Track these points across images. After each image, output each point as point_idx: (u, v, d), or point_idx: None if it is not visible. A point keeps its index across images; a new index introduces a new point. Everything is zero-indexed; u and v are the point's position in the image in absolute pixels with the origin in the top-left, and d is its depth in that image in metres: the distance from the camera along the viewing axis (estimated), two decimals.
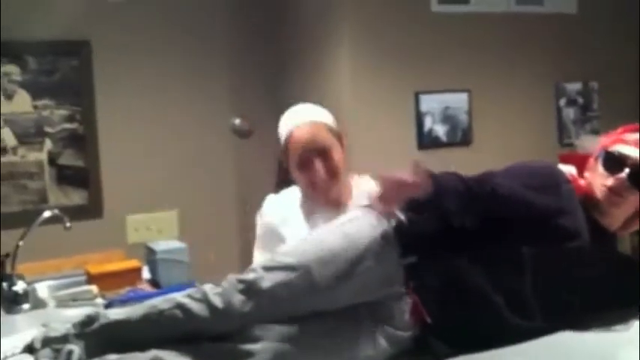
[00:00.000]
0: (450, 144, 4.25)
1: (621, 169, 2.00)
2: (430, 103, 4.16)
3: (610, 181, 2.01)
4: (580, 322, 1.97)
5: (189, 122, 4.31)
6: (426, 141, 4.17)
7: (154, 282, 2.82)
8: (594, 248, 2.02)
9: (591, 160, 2.12)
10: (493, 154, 4.27)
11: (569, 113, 4.70)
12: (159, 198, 4.20)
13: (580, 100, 4.74)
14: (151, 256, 2.89)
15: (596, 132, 4.68)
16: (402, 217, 1.96)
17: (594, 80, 4.78)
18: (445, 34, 4.25)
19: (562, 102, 4.68)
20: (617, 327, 1.97)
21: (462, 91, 4.27)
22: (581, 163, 2.18)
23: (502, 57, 4.44)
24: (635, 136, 2.06)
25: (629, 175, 1.99)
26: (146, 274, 2.89)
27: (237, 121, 4.37)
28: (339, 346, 1.82)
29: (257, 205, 2.60)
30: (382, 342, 1.87)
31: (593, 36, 4.77)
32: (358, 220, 1.98)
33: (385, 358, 1.87)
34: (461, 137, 4.28)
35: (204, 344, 1.79)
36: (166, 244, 2.95)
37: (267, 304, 1.80)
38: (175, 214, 4.22)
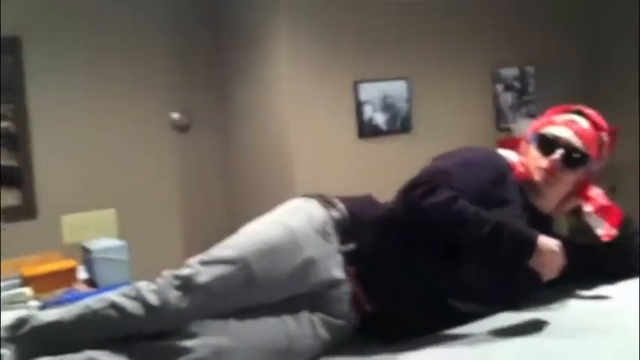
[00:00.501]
0: (390, 132, 4.25)
1: (554, 150, 2.03)
2: (369, 91, 4.16)
3: (544, 163, 2.03)
4: (518, 304, 2.00)
5: (127, 118, 4.21)
6: (367, 130, 4.17)
7: (91, 282, 2.74)
8: None
9: (524, 144, 2.14)
10: (433, 141, 4.29)
11: (507, 98, 4.76)
12: (96, 197, 4.10)
13: (517, 85, 4.81)
14: (87, 256, 2.81)
15: (532, 116, 4.74)
16: (342, 206, 1.96)
17: (530, 65, 4.84)
18: (383, 21, 4.24)
19: (499, 87, 4.74)
20: (554, 306, 2.00)
21: (401, 79, 4.27)
22: (517, 146, 2.21)
23: (440, 44, 4.46)
24: (563, 117, 2.09)
25: (562, 156, 2.02)
26: (83, 274, 2.81)
27: (176, 116, 4.30)
28: (279, 338, 1.80)
29: None
30: (322, 331, 1.85)
31: (529, 21, 4.83)
32: (297, 211, 1.96)
33: (326, 348, 1.85)
34: (401, 125, 4.29)
35: (141, 343, 1.75)
36: (103, 243, 2.88)
37: (204, 300, 1.77)
38: (113, 212, 4.13)
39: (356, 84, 4.12)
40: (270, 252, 1.82)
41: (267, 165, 4.18)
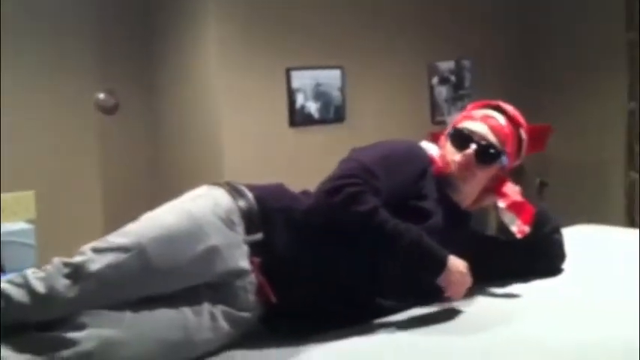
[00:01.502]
0: (322, 121, 4.18)
1: (468, 145, 1.99)
2: (302, 79, 4.08)
3: (458, 157, 2.00)
4: (432, 297, 1.96)
5: (51, 97, 4.05)
6: (298, 118, 4.09)
7: None
8: (448, 227, 2.01)
9: (443, 138, 2.10)
10: (366, 131, 4.25)
11: (442, 91, 4.75)
12: (15, 178, 3.93)
13: (452, 79, 4.79)
14: None
15: None
16: (250, 195, 1.88)
17: (467, 59, 4.83)
18: (318, 9, 4.17)
19: (435, 80, 4.72)
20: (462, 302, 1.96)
21: (335, 67, 4.20)
22: None
23: (376, 34, 4.41)
24: (482, 111, 2.05)
25: (476, 151, 1.98)
26: None
27: (102, 96, 4.16)
28: (175, 331, 1.71)
29: None
30: (223, 324, 1.78)
31: (466, 14, 4.82)
32: (202, 198, 1.89)
33: (228, 341, 1.78)
34: (334, 114, 4.23)
35: (26, 333, 1.65)
36: (11, 226, 2.77)
37: (95, 289, 1.67)
38: (32, 194, 3.96)
39: (288, 71, 4.04)
40: (170, 239, 1.74)
41: (195, 151, 4.08)
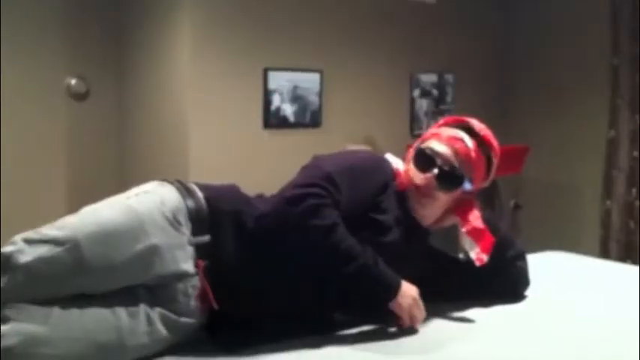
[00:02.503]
0: (298, 125, 4.09)
1: (430, 168, 1.90)
2: (279, 80, 3.98)
3: (419, 179, 1.91)
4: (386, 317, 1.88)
5: (18, 80, 3.93)
6: (273, 120, 4.00)
7: None
8: (406, 242, 1.92)
9: (410, 151, 2.01)
10: (342, 139, 4.18)
11: (423, 104, 4.67)
12: None
13: (434, 92, 4.72)
14: None
15: None
16: (200, 195, 1.79)
17: (450, 73, 4.77)
18: (301, 9, 4.08)
19: (416, 92, 4.64)
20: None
21: (314, 71, 4.12)
22: None
23: (359, 41, 4.33)
24: (450, 131, 1.95)
25: (437, 175, 1.89)
26: None
27: (74, 82, 4.05)
28: (107, 332, 1.61)
29: None
30: (160, 328, 1.68)
31: (451, 28, 4.76)
32: (148, 194, 1.79)
33: (164, 347, 1.68)
34: (310, 118, 4.13)
35: None
36: None
37: (23, 281, 1.57)
38: None
39: (265, 71, 3.94)
40: (107, 235, 1.64)
41: (163, 145, 3.98)
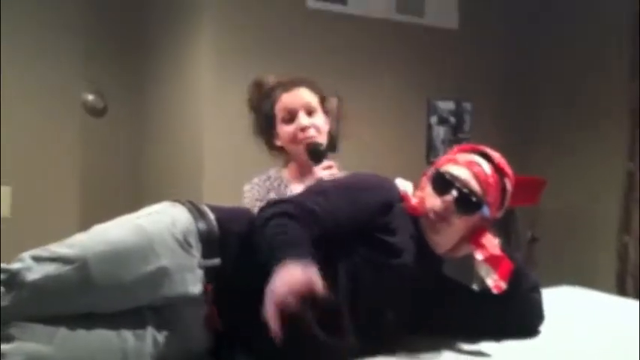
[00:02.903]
0: None
1: (449, 191, 1.87)
2: None
3: (437, 203, 1.88)
4: (396, 343, 1.84)
5: (36, 94, 3.94)
6: None
7: None
8: (419, 268, 1.89)
9: (424, 179, 1.98)
10: (357, 164, 4.12)
11: (440, 132, 4.64)
12: None
13: (452, 120, 4.69)
14: None
15: None
16: (212, 216, 1.77)
17: (468, 101, 4.74)
18: (319, 33, 4.08)
19: (433, 119, 4.61)
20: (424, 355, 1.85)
21: (332, 95, 4.08)
22: None
23: (376, 65, 4.32)
24: (467, 156, 1.93)
25: (456, 199, 1.86)
26: None
27: (91, 98, 4.06)
28: (112, 354, 1.59)
29: None
30: (166, 352, 1.65)
31: (471, 55, 4.73)
32: (158, 215, 1.77)
33: None
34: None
35: None
36: None
37: (30, 299, 1.56)
38: (8, 190, 3.85)
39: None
40: (116, 255, 1.62)
41: (178, 163, 3.97)
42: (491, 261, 1.91)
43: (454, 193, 1.86)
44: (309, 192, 1.84)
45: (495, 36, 4.83)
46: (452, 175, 1.88)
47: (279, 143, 2.45)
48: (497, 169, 1.93)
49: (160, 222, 1.72)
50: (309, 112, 2.39)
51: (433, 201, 1.89)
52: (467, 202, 1.87)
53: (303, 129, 2.35)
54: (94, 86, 4.05)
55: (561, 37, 4.81)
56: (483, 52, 4.80)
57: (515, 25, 4.92)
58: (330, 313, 1.56)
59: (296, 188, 2.35)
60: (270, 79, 2.49)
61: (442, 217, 1.87)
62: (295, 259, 1.53)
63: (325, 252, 1.74)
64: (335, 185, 1.87)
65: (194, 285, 1.69)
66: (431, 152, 4.61)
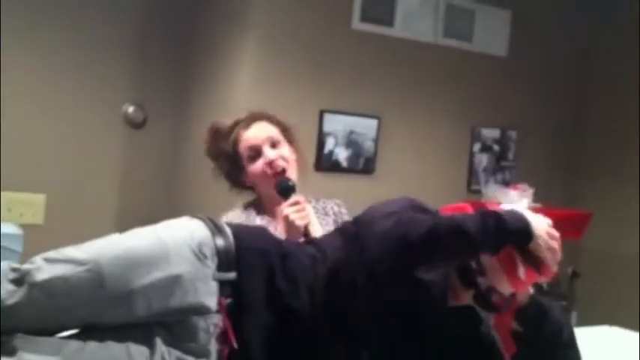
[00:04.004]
0: (350, 170, 3.99)
1: (471, 286, 1.76)
2: (335, 123, 3.91)
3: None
4: None
5: (77, 104, 3.96)
6: (325, 163, 3.91)
7: None
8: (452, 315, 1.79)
9: None
10: (394, 188, 4.04)
11: (482, 160, 4.52)
12: (29, 179, 3.84)
13: (496, 148, 4.57)
14: None
15: (507, 183, 4.52)
16: (230, 233, 1.72)
17: (513, 129, 4.62)
18: (363, 55, 4.02)
19: (476, 147, 4.50)
20: None
21: (372, 117, 4.03)
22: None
23: (420, 89, 4.24)
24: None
25: (474, 296, 1.76)
26: None
27: (131, 110, 4.07)
28: None
29: None
30: None
31: (520, 82, 4.62)
32: (176, 225, 1.73)
33: None
34: (363, 165, 4.03)
35: None
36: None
37: (38, 300, 1.52)
38: (43, 198, 3.86)
39: (322, 113, 3.88)
40: (130, 260, 1.58)
41: (212, 181, 3.92)
42: (500, 334, 1.79)
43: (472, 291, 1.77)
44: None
45: (544, 65, 4.71)
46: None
47: (249, 183, 2.37)
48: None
49: (177, 232, 1.68)
50: (273, 145, 2.33)
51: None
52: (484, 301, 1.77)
53: (271, 163, 2.28)
54: (136, 98, 4.06)
55: (617, 68, 4.67)
56: (531, 81, 4.68)
57: (565, 56, 4.80)
58: None
59: (264, 224, 2.28)
60: (226, 122, 2.42)
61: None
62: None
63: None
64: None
65: (208, 296, 1.63)
66: (472, 179, 4.50)
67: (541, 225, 1.68)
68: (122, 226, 1.68)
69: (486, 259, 1.73)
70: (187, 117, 4.21)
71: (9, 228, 2.67)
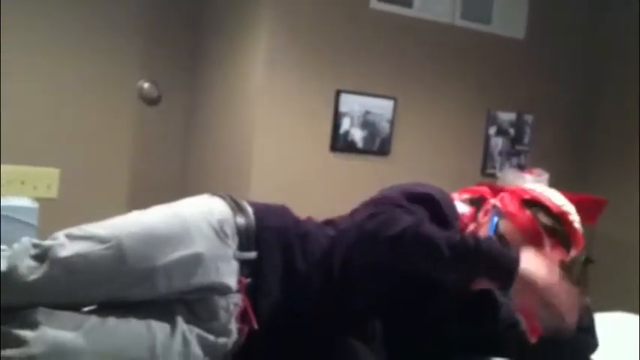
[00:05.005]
0: (365, 151, 3.96)
1: None
2: (351, 104, 3.87)
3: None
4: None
5: (92, 80, 3.94)
6: (340, 144, 3.88)
7: None
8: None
9: (489, 207, 1.83)
10: (409, 170, 4.05)
11: (498, 143, 4.49)
12: (43, 154, 3.83)
13: (511, 132, 4.53)
14: None
15: (522, 167, 4.49)
16: (250, 211, 1.71)
17: (529, 113, 4.58)
18: (381, 35, 3.98)
19: (492, 130, 4.46)
20: None
21: (388, 97, 4.00)
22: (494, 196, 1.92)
23: (437, 70, 4.20)
24: (528, 218, 1.75)
25: None
26: None
27: (146, 86, 4.05)
28: (139, 350, 1.52)
29: None
30: (196, 350, 1.60)
31: (537, 66, 4.57)
32: (196, 203, 1.72)
33: None
34: (379, 146, 4.00)
35: None
36: (15, 201, 2.63)
37: (60, 277, 1.52)
38: (57, 173, 3.86)
39: (338, 93, 3.84)
40: (151, 237, 1.58)
41: (227, 158, 3.92)
42: (524, 315, 1.77)
43: None
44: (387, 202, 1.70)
45: (562, 49, 4.66)
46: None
47: None
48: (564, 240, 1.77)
49: (198, 210, 1.68)
50: None
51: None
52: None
53: None
54: (151, 75, 4.04)
55: (629, 57, 4.62)
56: (549, 64, 4.63)
57: (582, 40, 4.75)
58: None
59: None
60: None
61: None
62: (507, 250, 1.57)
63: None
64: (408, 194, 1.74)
65: (229, 276, 1.63)
66: (487, 163, 4.47)
67: (541, 273, 1.55)
68: (135, 201, 1.68)
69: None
70: (202, 94, 4.19)
71: (24, 201, 2.66)
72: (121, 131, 4.07)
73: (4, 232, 2.47)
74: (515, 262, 1.53)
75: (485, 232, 1.77)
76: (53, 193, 3.82)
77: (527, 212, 1.74)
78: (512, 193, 1.80)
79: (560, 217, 1.75)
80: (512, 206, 1.76)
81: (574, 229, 1.77)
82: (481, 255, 1.53)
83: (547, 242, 1.71)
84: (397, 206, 1.66)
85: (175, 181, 4.20)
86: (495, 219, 1.77)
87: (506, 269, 1.53)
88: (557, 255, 1.73)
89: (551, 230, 1.72)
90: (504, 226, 1.74)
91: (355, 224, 1.68)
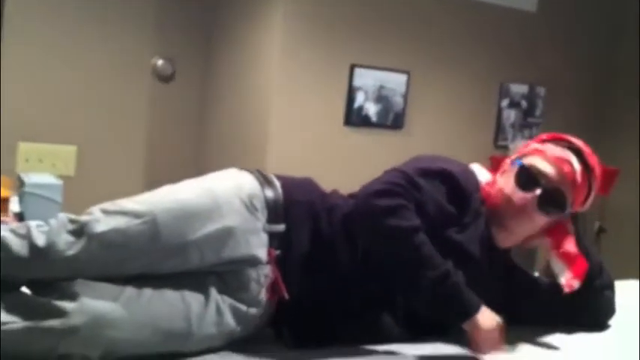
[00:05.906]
0: (379, 125, 3.99)
1: (533, 188, 1.77)
2: (365, 78, 3.90)
3: (518, 197, 1.78)
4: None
5: (106, 57, 3.94)
6: (355, 118, 3.91)
7: (22, 216, 2.51)
8: (485, 262, 1.81)
9: (507, 163, 1.88)
10: (423, 143, 4.07)
11: (510, 115, 4.51)
12: (60, 131, 3.86)
13: (524, 104, 4.55)
14: (20, 188, 2.58)
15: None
16: (278, 184, 1.74)
17: (542, 85, 4.59)
18: (394, 9, 3.99)
19: (504, 102, 4.48)
20: None
21: (402, 72, 4.01)
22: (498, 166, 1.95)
23: (450, 44, 4.21)
24: (557, 151, 1.79)
25: (540, 197, 1.76)
26: (16, 206, 2.57)
27: (160, 63, 4.07)
28: (176, 320, 1.56)
29: None
30: (229, 320, 1.63)
31: (549, 38, 4.58)
32: (226, 177, 1.76)
33: (229, 340, 1.63)
34: (392, 120, 4.03)
35: (19, 294, 1.55)
36: (38, 178, 2.64)
37: (97, 251, 1.55)
38: (74, 150, 3.89)
39: (352, 67, 3.86)
40: (183, 212, 1.60)
41: (242, 133, 3.96)
42: (566, 258, 1.81)
43: (538, 191, 1.76)
44: (400, 178, 1.71)
45: (575, 21, 4.65)
46: (539, 172, 1.77)
47: None
48: (587, 167, 1.80)
49: (228, 184, 1.71)
50: None
51: (513, 194, 1.79)
52: (551, 202, 1.77)
53: None
54: (165, 52, 4.06)
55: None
56: (561, 37, 4.63)
57: (595, 13, 4.74)
58: None
59: None
60: None
61: (522, 210, 1.77)
62: (479, 303, 1.64)
63: None
64: (422, 172, 1.75)
65: (259, 248, 1.66)
66: (500, 135, 4.49)
67: (487, 322, 1.63)
68: (151, 178, 1.72)
69: None
70: (216, 71, 4.21)
71: (48, 178, 2.68)
72: (136, 108, 4.09)
73: (31, 208, 2.50)
74: (472, 311, 1.63)
75: (510, 177, 1.80)
76: (71, 171, 3.86)
77: (558, 147, 1.80)
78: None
79: (590, 164, 1.80)
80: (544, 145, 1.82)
81: (596, 182, 1.82)
82: (441, 288, 1.62)
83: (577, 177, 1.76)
84: (410, 183, 1.69)
85: (190, 156, 4.23)
86: (519, 162, 1.81)
87: (458, 311, 1.64)
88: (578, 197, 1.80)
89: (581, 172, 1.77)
90: (532, 160, 1.79)
91: (364, 192, 1.71)
